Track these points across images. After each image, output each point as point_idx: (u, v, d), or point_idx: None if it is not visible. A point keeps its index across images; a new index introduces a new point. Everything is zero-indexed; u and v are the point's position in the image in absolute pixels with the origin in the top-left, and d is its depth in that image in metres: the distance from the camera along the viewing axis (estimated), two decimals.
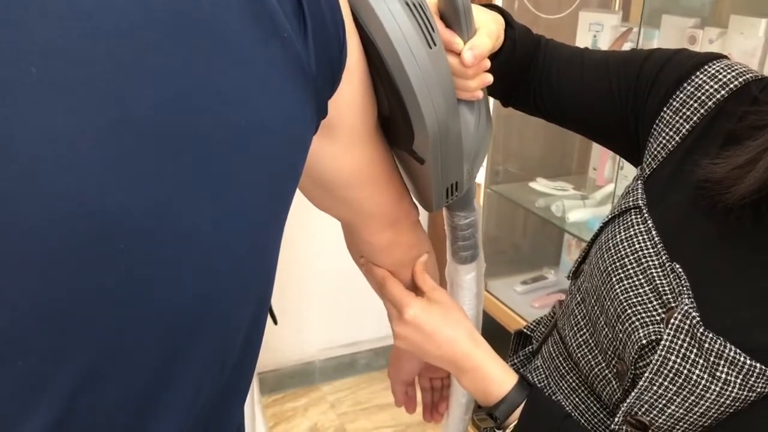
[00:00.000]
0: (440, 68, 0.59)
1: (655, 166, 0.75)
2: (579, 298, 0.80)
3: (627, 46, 1.84)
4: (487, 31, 0.69)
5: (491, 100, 1.08)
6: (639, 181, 0.76)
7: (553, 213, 1.91)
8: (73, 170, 0.36)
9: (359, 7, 0.56)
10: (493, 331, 2.16)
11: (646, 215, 0.72)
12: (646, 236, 0.71)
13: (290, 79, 0.45)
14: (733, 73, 0.72)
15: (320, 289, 2.32)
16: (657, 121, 0.75)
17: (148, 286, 0.42)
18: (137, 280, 0.41)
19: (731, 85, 0.71)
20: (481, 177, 2.05)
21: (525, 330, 0.95)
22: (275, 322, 1.12)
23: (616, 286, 0.71)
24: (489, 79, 0.70)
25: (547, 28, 1.98)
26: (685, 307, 0.66)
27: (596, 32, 1.90)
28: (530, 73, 0.84)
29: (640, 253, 0.71)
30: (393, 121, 0.63)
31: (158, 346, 0.44)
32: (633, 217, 0.74)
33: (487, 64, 0.69)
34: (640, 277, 0.70)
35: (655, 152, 0.75)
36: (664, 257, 0.69)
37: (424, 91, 0.58)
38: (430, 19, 0.58)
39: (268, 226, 0.49)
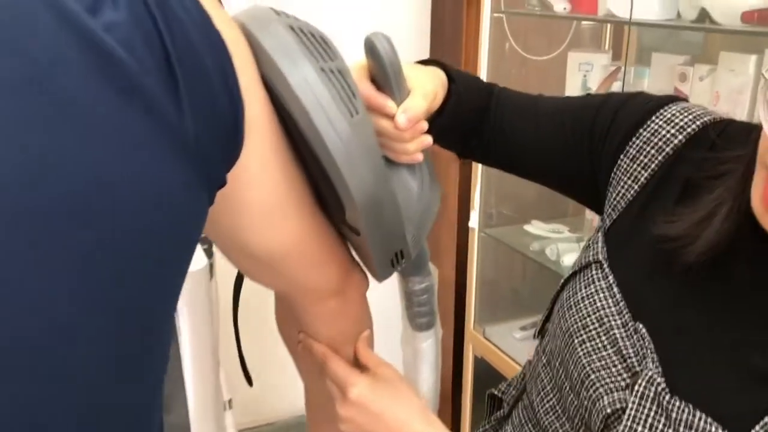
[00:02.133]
0: (365, 138, 0.55)
1: (615, 217, 0.71)
2: (545, 360, 0.75)
3: (617, 86, 1.81)
4: (422, 91, 0.66)
5: None
6: (600, 233, 0.72)
7: (547, 257, 1.86)
8: None
9: (269, 73, 0.52)
10: (490, 380, 2.09)
11: (607, 270, 0.68)
12: (607, 293, 0.67)
13: (154, 144, 0.40)
14: (690, 117, 0.68)
15: None
16: (615, 169, 0.71)
17: None
18: None
19: (688, 129, 0.67)
20: (474, 220, 2.01)
21: (496, 392, 0.90)
22: (250, 383, 1.07)
23: (579, 349, 0.67)
24: (428, 141, 0.67)
25: (536, 70, 1.96)
26: (650, 373, 0.61)
27: (586, 72, 1.88)
28: (483, 125, 0.81)
29: (602, 311, 0.66)
30: (322, 191, 0.60)
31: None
32: (594, 272, 0.69)
33: (424, 126, 0.66)
34: (603, 338, 0.66)
35: (615, 202, 0.71)
36: (626, 316, 0.65)
37: (347, 165, 0.54)
38: (350, 85, 0.55)
39: (131, 303, 0.42)
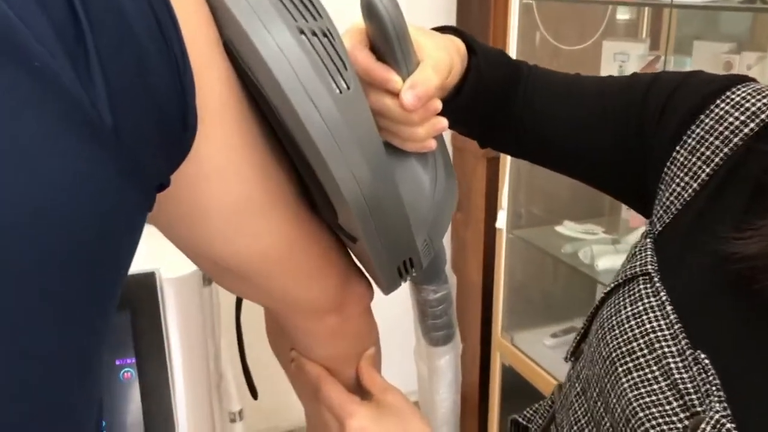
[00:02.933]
0: (357, 121, 0.44)
1: (668, 221, 0.59)
2: (579, 388, 0.63)
3: None
4: (433, 62, 0.55)
5: None
6: (648, 239, 0.60)
7: (580, 259, 1.75)
8: None
9: (233, 36, 0.41)
10: (519, 390, 1.99)
11: (657, 285, 0.57)
12: (658, 313, 0.55)
13: (46, 132, 0.29)
14: (765, 100, 0.56)
15: None
16: (669, 163, 0.60)
17: None
18: None
19: (762, 116, 0.56)
20: (502, 221, 1.90)
21: (520, 419, 0.78)
22: (255, 396, 0.98)
23: (623, 379, 0.55)
24: (442, 124, 0.55)
25: (568, 60, 1.85)
26: (716, 415, 0.50)
27: (622, 62, 1.77)
28: (510, 106, 0.69)
29: (652, 335, 0.55)
30: (310, 187, 0.49)
31: None
32: (641, 286, 0.58)
33: (437, 105, 0.54)
34: (654, 368, 0.54)
35: (668, 203, 0.59)
36: (683, 343, 0.53)
37: (335, 156, 0.43)
38: (339, 51, 0.44)
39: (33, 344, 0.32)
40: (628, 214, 1.92)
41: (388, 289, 0.57)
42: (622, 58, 1.78)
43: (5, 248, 0.29)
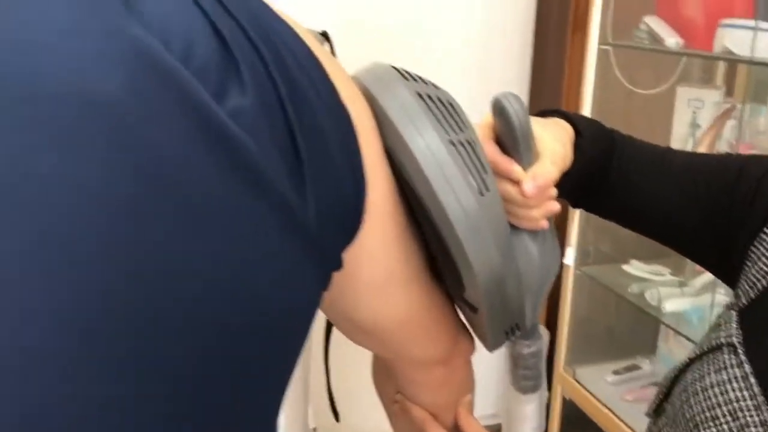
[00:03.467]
0: (494, 218, 0.51)
1: (753, 297, 0.65)
2: None
3: (730, 125, 1.71)
4: (551, 156, 0.62)
5: None
6: (733, 312, 0.66)
7: (647, 300, 1.78)
8: None
9: (392, 141, 0.49)
10: (579, 425, 2.02)
11: (742, 357, 0.62)
12: (742, 383, 0.61)
13: (280, 242, 0.38)
14: None
15: None
16: (756, 242, 0.65)
17: None
18: None
19: None
20: (570, 257, 1.94)
21: None
22: (337, 419, 1.06)
23: None
24: (555, 207, 0.62)
25: (642, 104, 1.88)
26: None
27: (696, 109, 1.78)
28: (605, 176, 0.76)
29: (735, 404, 0.60)
30: (440, 264, 0.57)
31: None
32: (726, 356, 0.63)
33: (554, 193, 0.62)
34: None
35: (754, 279, 0.65)
36: (766, 414, 0.59)
37: (474, 247, 0.50)
38: (481, 159, 0.51)
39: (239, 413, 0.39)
40: None
41: (493, 348, 0.64)
42: (696, 104, 1.79)
43: (218, 320, 0.36)
